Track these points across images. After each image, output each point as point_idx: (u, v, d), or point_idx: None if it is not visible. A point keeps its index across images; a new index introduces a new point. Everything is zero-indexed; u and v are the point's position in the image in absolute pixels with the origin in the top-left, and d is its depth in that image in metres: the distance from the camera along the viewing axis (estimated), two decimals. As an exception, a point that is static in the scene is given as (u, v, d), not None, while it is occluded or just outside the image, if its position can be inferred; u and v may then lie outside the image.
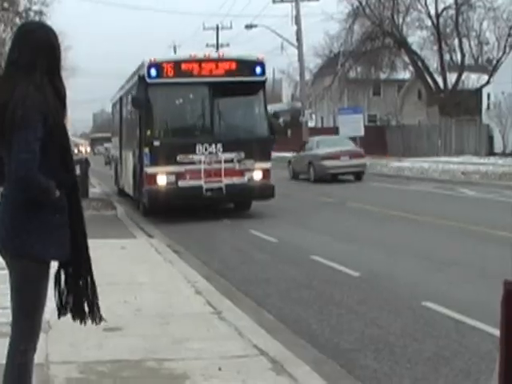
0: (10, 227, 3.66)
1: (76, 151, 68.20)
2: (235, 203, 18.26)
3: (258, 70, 16.91)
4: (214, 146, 16.17)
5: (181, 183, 16.08)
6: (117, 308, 7.22)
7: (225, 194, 16.35)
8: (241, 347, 5.93)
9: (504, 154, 39.96)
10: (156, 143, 15.92)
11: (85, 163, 21.34)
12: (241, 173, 16.53)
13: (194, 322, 6.79)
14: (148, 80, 16.17)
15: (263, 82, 17.27)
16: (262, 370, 5.33)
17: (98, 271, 9.42)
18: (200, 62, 16.69)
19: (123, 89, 22.86)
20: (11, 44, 3.94)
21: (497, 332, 6.23)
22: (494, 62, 48.92)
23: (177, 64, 16.61)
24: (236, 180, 16.47)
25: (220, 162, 16.17)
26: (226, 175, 16.26)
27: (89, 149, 79.41)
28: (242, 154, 16.44)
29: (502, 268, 8.58)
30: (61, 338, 5.99)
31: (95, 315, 4.10)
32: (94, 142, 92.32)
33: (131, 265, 9.91)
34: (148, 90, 16.34)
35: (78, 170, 19.68)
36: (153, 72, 16.21)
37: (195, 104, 17.43)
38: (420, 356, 6.07)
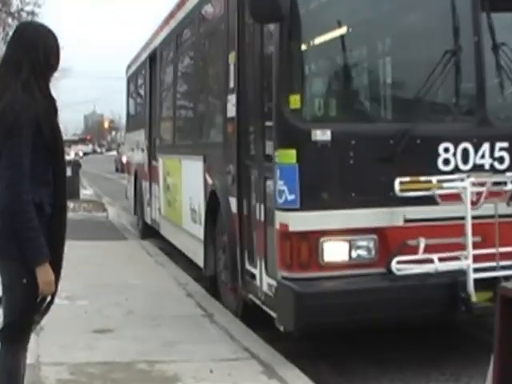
0: None
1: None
2: None
3: None
4: (487, 148, 5.87)
5: (399, 264, 5.54)
6: (108, 310, 7.24)
7: None
8: (232, 350, 5.93)
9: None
10: (322, 137, 5.54)
11: (76, 165, 21.31)
12: None
13: (185, 324, 6.79)
14: None
15: None
16: (253, 373, 5.34)
17: (89, 273, 9.44)
18: None
19: (164, 29, 11.34)
20: (7, 43, 3.97)
21: (486, 337, 6.28)
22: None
23: None
24: None
25: None
26: None
27: None
28: None
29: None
30: (52, 339, 5.99)
31: None
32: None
33: (122, 267, 9.90)
34: None
35: (69, 172, 19.86)
36: None
37: (431, 32, 6.23)
38: (411, 360, 6.08)
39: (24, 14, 32.17)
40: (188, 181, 9.18)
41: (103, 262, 10.06)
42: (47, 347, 5.82)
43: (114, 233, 13.92)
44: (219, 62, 7.72)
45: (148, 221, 12.89)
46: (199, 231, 8.29)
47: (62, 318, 6.58)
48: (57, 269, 3.70)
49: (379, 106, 6.33)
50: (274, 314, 5.86)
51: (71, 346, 5.95)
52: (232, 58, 6.92)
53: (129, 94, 16.59)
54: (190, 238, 9.06)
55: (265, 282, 6.16)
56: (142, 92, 14.25)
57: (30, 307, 3.75)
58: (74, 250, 9.86)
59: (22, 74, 3.65)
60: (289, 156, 5.54)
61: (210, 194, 7.75)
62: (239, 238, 6.73)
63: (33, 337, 4.04)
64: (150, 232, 12.83)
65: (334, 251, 5.59)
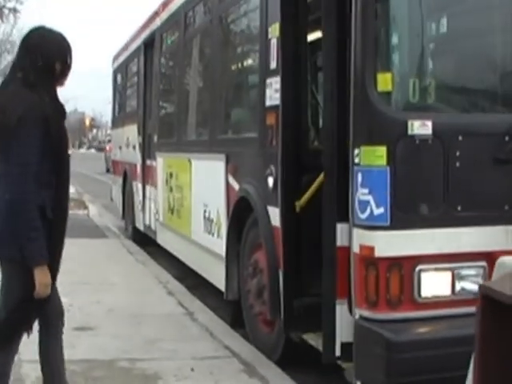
0: None
1: None
2: None
3: None
4: None
5: None
6: (89, 308, 7.23)
7: None
8: (213, 348, 5.96)
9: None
10: (421, 130, 4.23)
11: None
12: None
13: (166, 322, 6.80)
14: None
15: None
16: (234, 372, 5.37)
17: (70, 271, 9.42)
18: None
19: None
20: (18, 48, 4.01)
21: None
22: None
23: None
24: None
25: None
26: None
27: None
28: None
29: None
30: (33, 336, 5.95)
31: None
32: None
33: (103, 265, 9.88)
34: None
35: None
36: None
37: None
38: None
39: (6, 11, 32.00)
40: (201, 184, 7.79)
41: (84, 260, 10.03)
42: (28, 345, 5.78)
43: (95, 231, 13.87)
44: (252, 37, 6.53)
45: (140, 227, 11.58)
46: (217, 245, 7.02)
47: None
48: (54, 272, 3.72)
49: (497, 92, 4.76)
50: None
51: (52, 343, 5.92)
52: (274, 31, 5.51)
53: (115, 87, 15.27)
54: (203, 253, 7.73)
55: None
56: (133, 83, 12.90)
57: (25, 309, 3.77)
58: (54, 248, 9.85)
59: (28, 78, 3.69)
60: (377, 155, 4.19)
61: (236, 202, 6.38)
62: (283, 258, 5.23)
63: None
64: (140, 238, 11.79)
65: (434, 283, 4.32)
